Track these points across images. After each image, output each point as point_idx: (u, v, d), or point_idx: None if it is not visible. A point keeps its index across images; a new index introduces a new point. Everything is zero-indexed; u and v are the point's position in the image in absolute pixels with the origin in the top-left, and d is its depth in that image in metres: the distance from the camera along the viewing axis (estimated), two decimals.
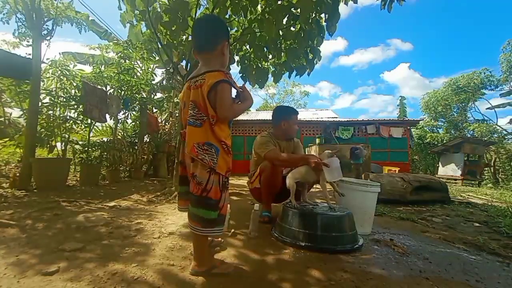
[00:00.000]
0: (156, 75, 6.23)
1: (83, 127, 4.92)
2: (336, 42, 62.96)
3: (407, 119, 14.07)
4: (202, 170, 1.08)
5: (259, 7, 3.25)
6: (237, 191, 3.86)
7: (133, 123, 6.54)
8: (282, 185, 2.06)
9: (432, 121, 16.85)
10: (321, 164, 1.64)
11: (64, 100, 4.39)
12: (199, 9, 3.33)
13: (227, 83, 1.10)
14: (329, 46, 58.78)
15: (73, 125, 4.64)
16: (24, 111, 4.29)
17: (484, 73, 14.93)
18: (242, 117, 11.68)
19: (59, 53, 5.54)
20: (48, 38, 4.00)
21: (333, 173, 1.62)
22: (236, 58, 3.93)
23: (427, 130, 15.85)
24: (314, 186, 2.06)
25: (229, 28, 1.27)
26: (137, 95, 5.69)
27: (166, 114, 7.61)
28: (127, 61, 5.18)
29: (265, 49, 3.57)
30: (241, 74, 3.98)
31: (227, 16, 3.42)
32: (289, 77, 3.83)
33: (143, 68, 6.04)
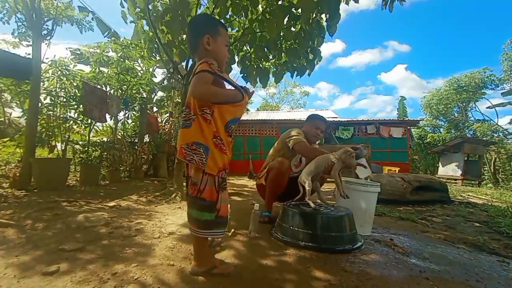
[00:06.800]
0: (156, 76, 6.23)
1: (83, 127, 4.92)
2: (335, 44, 62.90)
3: (407, 119, 14.09)
4: (196, 171, 1.07)
5: (259, 7, 3.24)
6: (237, 191, 3.86)
7: (133, 123, 6.54)
8: (287, 185, 2.06)
9: (434, 120, 16.86)
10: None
11: (64, 100, 4.39)
12: (200, 8, 3.33)
13: (209, 73, 1.04)
14: (327, 48, 58.79)
15: (73, 125, 4.64)
16: (24, 111, 4.29)
17: (485, 72, 14.94)
18: (242, 117, 11.69)
19: (66, 48, 5.53)
20: (48, 38, 4.00)
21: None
22: (237, 58, 3.92)
23: (428, 130, 15.86)
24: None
25: (221, 26, 1.21)
26: (137, 95, 5.69)
27: (166, 114, 7.61)
28: (126, 61, 5.18)
29: (265, 49, 3.57)
30: (242, 75, 3.98)
31: (227, 16, 3.41)
32: (292, 76, 3.83)
33: (143, 68, 6.04)
